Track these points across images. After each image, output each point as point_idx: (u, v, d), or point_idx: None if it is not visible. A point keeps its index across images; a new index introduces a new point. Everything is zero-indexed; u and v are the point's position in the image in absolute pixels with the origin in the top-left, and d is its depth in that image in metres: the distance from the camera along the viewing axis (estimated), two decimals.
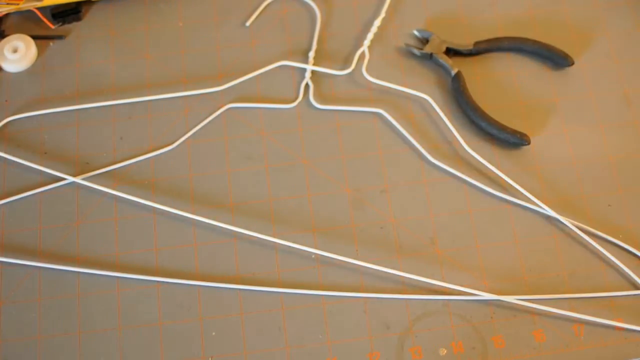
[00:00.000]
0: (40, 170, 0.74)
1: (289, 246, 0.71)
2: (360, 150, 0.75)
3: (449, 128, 0.75)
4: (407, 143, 0.76)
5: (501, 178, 0.73)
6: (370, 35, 0.80)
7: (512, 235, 0.72)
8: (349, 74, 0.79)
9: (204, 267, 0.71)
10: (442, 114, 0.76)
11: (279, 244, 0.71)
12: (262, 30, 0.82)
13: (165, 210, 0.72)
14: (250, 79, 0.78)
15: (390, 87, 0.78)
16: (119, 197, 0.73)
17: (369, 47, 0.80)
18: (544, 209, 0.72)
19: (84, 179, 0.73)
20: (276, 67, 0.79)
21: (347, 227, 0.72)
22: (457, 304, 0.69)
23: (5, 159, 0.75)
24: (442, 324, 0.68)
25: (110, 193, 0.73)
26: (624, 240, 0.71)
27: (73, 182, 0.73)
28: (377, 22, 0.80)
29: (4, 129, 0.76)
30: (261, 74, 0.78)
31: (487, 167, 0.74)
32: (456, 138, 0.75)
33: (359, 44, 0.80)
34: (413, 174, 0.74)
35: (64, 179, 0.73)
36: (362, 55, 0.79)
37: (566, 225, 0.71)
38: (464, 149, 0.74)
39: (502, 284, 0.70)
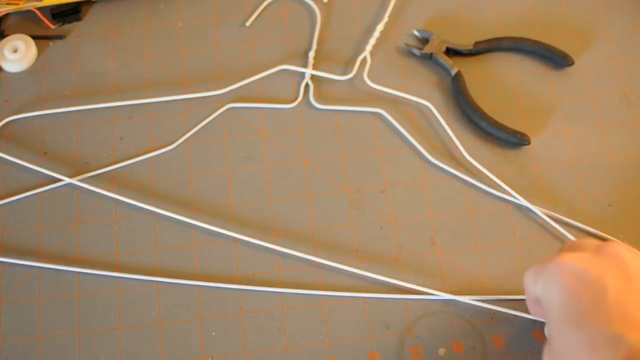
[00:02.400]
0: (40, 171, 0.74)
1: (289, 248, 0.71)
2: (360, 150, 0.76)
3: (449, 133, 0.75)
4: (407, 143, 0.76)
5: (501, 178, 0.73)
6: (372, 41, 0.79)
7: (512, 235, 0.72)
8: (351, 79, 0.78)
9: (204, 267, 0.71)
10: (442, 121, 0.75)
11: (279, 244, 0.71)
12: (262, 30, 0.82)
13: (165, 211, 0.72)
14: (249, 78, 0.78)
15: (391, 94, 0.77)
16: (119, 196, 0.73)
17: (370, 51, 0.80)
18: (544, 209, 0.72)
19: (83, 180, 0.73)
20: (276, 67, 0.79)
21: (347, 227, 0.72)
22: (457, 304, 0.69)
23: (5, 159, 0.75)
24: (442, 324, 0.68)
25: (109, 193, 0.73)
26: (624, 240, 0.71)
27: (72, 182, 0.73)
28: (380, 27, 0.80)
29: (4, 129, 0.76)
30: (259, 71, 0.78)
31: (487, 170, 0.73)
32: (456, 145, 0.74)
33: (359, 44, 0.80)
34: (413, 174, 0.74)
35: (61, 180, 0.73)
36: (364, 60, 0.79)
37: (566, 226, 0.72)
38: (465, 153, 0.74)
39: (502, 284, 0.70)
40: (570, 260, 0.53)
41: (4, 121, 0.76)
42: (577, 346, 0.50)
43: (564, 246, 0.59)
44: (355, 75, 0.79)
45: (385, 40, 0.81)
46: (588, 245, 0.56)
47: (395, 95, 0.77)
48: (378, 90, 0.78)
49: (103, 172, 0.74)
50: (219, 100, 0.78)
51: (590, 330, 0.49)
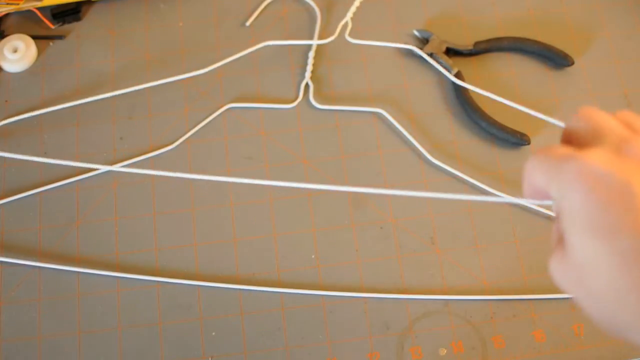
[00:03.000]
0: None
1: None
2: (360, 150, 0.75)
3: (438, 68, 0.75)
4: (407, 143, 0.76)
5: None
6: (353, 8, 0.80)
7: (512, 235, 0.72)
8: (333, 41, 0.79)
9: (204, 267, 0.71)
10: (428, 59, 0.76)
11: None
12: (262, 30, 0.82)
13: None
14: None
15: (372, 45, 0.79)
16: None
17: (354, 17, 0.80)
18: (544, 209, 0.72)
19: (85, 178, 0.73)
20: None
21: (347, 227, 0.72)
22: (457, 304, 0.69)
23: (5, 158, 0.74)
24: (442, 324, 0.68)
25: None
26: None
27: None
28: None
29: (4, 129, 0.76)
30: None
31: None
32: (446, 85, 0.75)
33: (359, 44, 0.80)
34: (413, 174, 0.74)
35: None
36: (346, 24, 0.80)
37: None
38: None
39: (502, 284, 0.70)
40: (593, 161, 0.47)
41: (4, 121, 0.76)
42: (607, 260, 0.46)
43: (571, 127, 0.52)
44: (337, 38, 0.79)
45: (385, 40, 0.81)
46: (607, 136, 0.51)
47: (377, 45, 0.78)
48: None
49: (103, 172, 0.74)
50: (218, 96, 0.78)
51: (622, 243, 0.45)
